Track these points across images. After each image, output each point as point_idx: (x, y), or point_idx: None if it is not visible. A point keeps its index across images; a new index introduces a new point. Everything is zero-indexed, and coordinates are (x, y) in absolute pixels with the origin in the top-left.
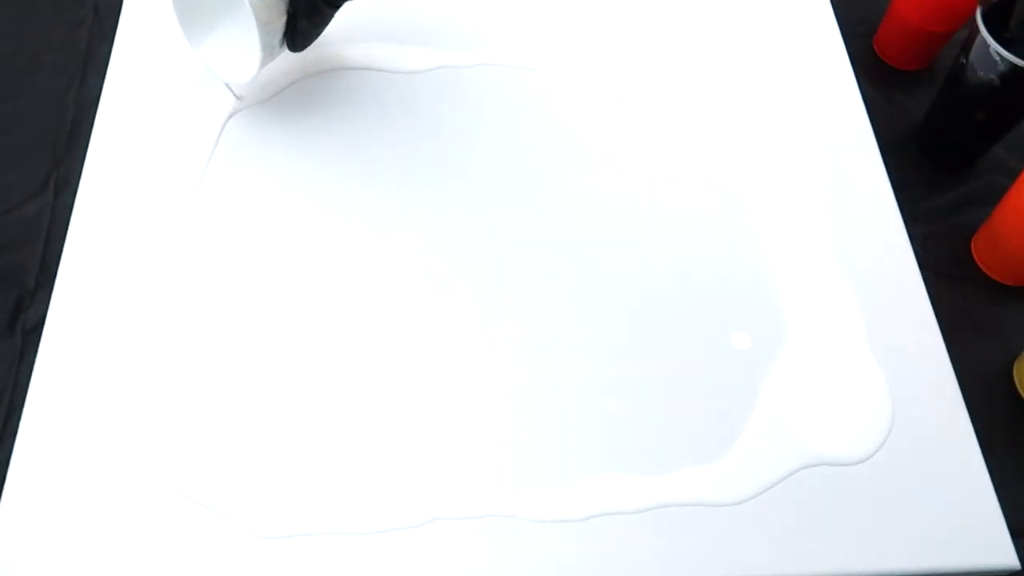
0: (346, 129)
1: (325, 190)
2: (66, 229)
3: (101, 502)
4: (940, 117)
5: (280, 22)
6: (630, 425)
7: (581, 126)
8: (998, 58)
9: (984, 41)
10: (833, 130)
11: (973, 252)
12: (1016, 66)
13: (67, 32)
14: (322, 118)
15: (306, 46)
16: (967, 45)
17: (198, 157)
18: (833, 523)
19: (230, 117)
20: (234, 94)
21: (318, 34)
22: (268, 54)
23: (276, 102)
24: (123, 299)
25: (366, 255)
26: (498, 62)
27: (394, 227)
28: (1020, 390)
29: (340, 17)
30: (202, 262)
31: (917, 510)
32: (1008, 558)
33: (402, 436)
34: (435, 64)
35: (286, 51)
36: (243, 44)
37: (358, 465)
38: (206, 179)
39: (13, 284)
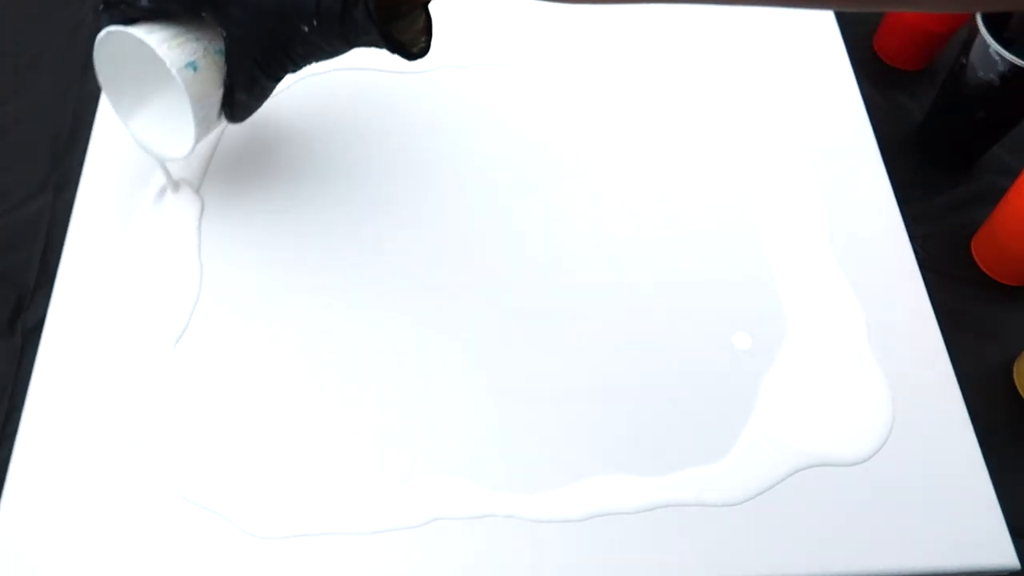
0: (346, 129)
1: (325, 190)
2: (66, 229)
3: (101, 502)
4: (940, 117)
5: (217, 95)
6: (630, 425)
7: (581, 126)
8: (998, 58)
9: (984, 41)
10: (833, 130)
11: (973, 252)
12: (1016, 66)
13: (67, 32)
14: (322, 118)
15: (246, 117)
16: (967, 45)
17: (199, 157)
18: (833, 523)
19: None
20: (171, 182)
21: (258, 106)
22: (204, 128)
23: (276, 102)
24: (123, 299)
25: (366, 254)
26: (498, 62)
27: (393, 226)
28: (1020, 390)
29: None
30: (202, 262)
31: (917, 510)
32: (1008, 558)
33: (402, 436)
34: (435, 64)
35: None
36: (177, 118)
37: (358, 465)
38: (206, 178)
39: (13, 284)
